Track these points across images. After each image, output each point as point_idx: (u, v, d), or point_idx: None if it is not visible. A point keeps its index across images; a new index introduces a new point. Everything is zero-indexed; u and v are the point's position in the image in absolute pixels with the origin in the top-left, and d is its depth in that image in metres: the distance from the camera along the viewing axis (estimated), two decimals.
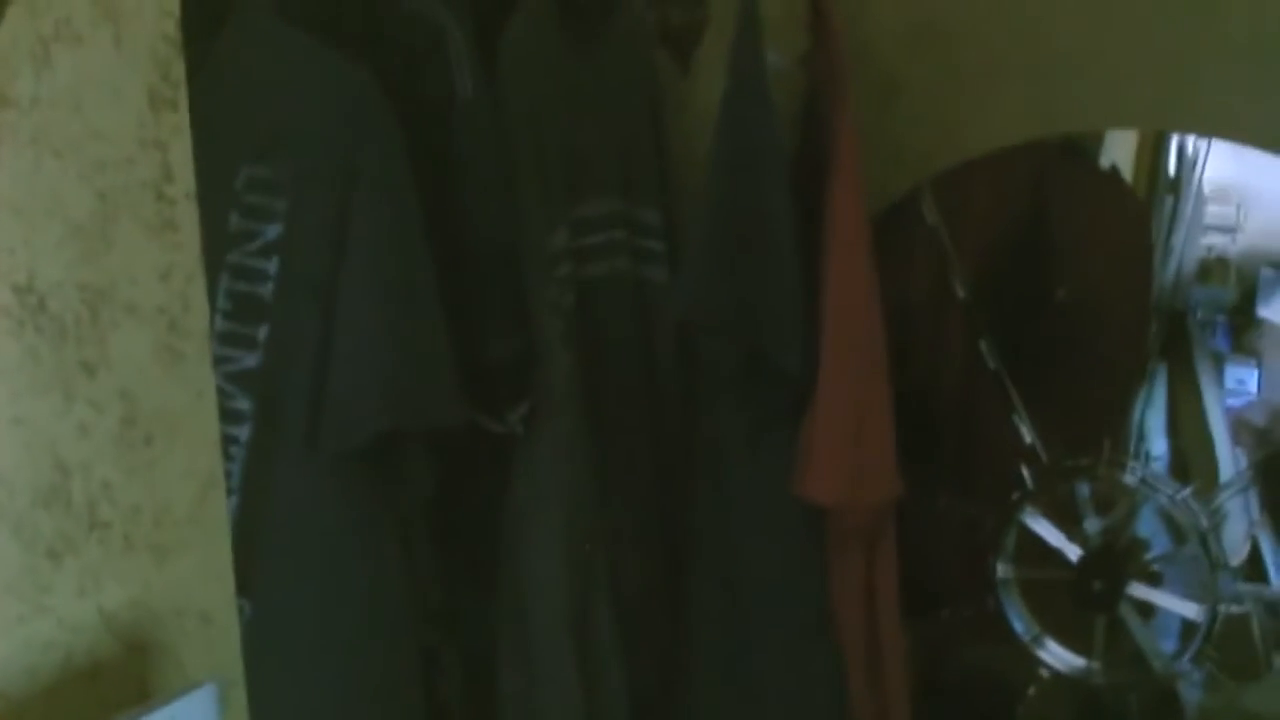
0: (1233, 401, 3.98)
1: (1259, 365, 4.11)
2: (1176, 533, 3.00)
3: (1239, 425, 3.83)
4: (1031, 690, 3.04)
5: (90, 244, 1.55)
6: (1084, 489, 3.02)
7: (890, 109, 3.05)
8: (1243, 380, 4.09)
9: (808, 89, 2.79)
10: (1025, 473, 3.03)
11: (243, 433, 2.13)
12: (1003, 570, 3.03)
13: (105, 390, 1.57)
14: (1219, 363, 4.02)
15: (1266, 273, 4.09)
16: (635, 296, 2.66)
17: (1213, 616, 2.91)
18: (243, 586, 1.98)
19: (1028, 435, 3.06)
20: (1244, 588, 3.01)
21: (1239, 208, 4.04)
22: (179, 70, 1.66)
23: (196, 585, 1.70)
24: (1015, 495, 3.03)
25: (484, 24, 2.45)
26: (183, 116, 1.67)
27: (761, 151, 2.54)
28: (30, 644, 1.49)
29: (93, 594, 1.55)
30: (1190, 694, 3.11)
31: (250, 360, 2.15)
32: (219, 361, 2.08)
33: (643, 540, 2.69)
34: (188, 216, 1.68)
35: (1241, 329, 4.16)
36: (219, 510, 1.74)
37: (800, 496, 2.58)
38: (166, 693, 1.60)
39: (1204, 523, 2.94)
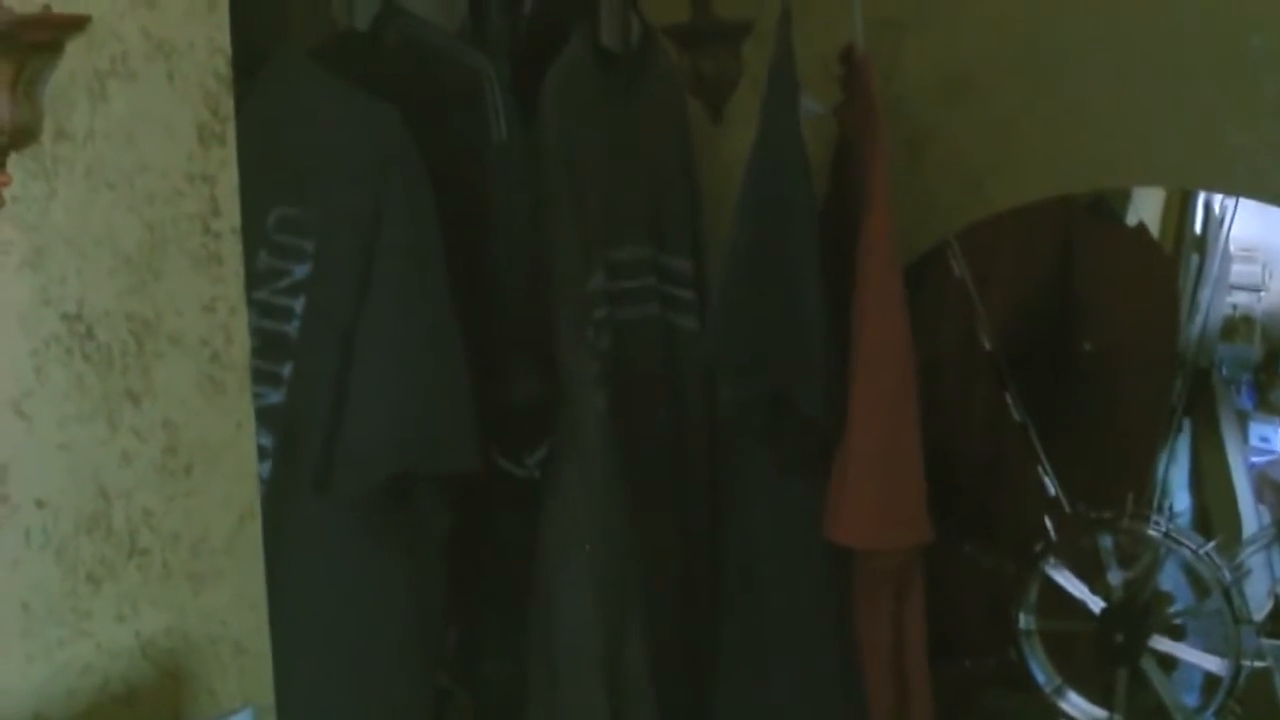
0: (1257, 459, 3.98)
1: None
2: (1199, 587, 3.00)
3: (1263, 482, 3.83)
4: None
5: (138, 275, 1.58)
6: (1107, 541, 3.01)
7: (920, 162, 3.07)
8: (1267, 438, 4.09)
9: (839, 139, 2.82)
10: (1049, 524, 3.03)
11: (264, 469, 2.15)
12: (1025, 621, 3.03)
13: (149, 419, 1.60)
14: (1243, 420, 4.01)
15: None
16: (664, 343, 2.69)
17: (1236, 671, 2.90)
18: None
19: (1052, 487, 3.06)
20: (1267, 643, 3.00)
21: (1265, 267, 4.05)
22: (228, 106, 1.70)
23: (231, 614, 1.72)
24: (1039, 546, 3.03)
25: (524, 71, 2.49)
26: (230, 151, 1.71)
27: (789, 200, 2.56)
28: (69, 667, 1.51)
29: (131, 620, 1.58)
30: None
31: (274, 397, 2.16)
32: None
33: (671, 582, 2.70)
34: (232, 250, 1.71)
35: (1266, 387, 4.16)
36: (254, 541, 1.77)
37: (832, 539, 2.59)
38: (202, 718, 1.62)
39: (1227, 577, 2.93)
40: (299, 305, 2.20)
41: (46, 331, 1.47)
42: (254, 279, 2.15)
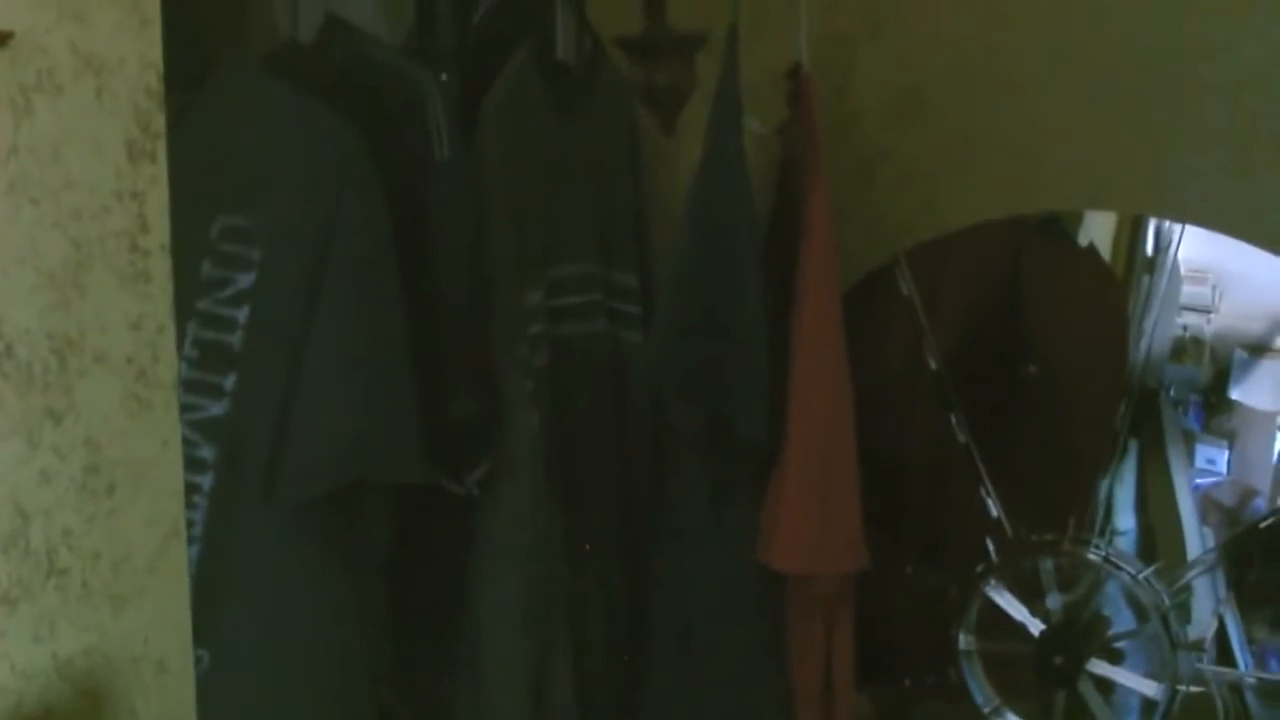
0: (1202, 481, 4.01)
1: (1230, 446, 4.14)
2: (1139, 611, 3.01)
3: (1208, 504, 3.85)
4: None
5: (62, 292, 1.56)
6: (1048, 564, 3.02)
7: (871, 180, 3.08)
8: (1213, 460, 4.11)
9: (784, 158, 2.81)
10: (990, 546, 3.04)
11: (206, 481, 2.14)
12: (965, 641, 3.03)
13: (70, 438, 1.58)
14: (1190, 442, 4.04)
15: (1240, 355, 4.11)
16: (612, 358, 2.69)
17: (1172, 696, 2.91)
18: (201, 636, 1.99)
19: (994, 509, 3.07)
20: (1206, 669, 3.02)
21: (1215, 289, 4.07)
22: (159, 123, 1.68)
23: (154, 633, 1.70)
24: (980, 568, 3.04)
25: (471, 83, 2.48)
26: (160, 169, 1.69)
27: (732, 221, 2.56)
28: None
29: (48, 640, 1.56)
30: None
31: (216, 409, 2.16)
32: (184, 409, 2.08)
33: (604, 603, 2.70)
34: (161, 268, 1.69)
35: (1214, 409, 4.18)
36: (179, 559, 1.75)
37: (766, 564, 2.59)
38: None
39: (1166, 602, 2.94)
40: (243, 315, 2.19)
41: None
42: (197, 288, 2.15)
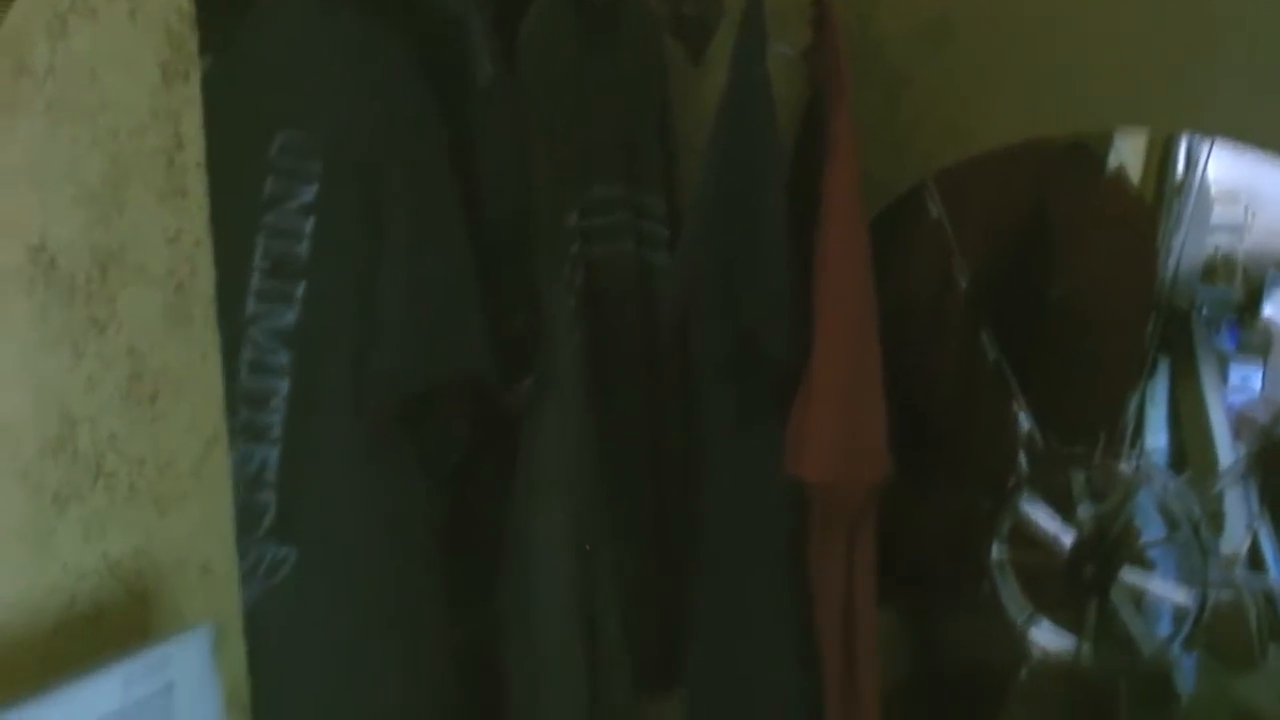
0: (1236, 399, 4.02)
1: (1263, 364, 4.15)
2: (1170, 520, 3.04)
3: (1242, 422, 3.87)
4: (1023, 672, 3.07)
5: (102, 207, 1.61)
6: (1079, 476, 3.05)
7: (898, 105, 3.10)
8: (1247, 378, 4.13)
9: (810, 82, 2.85)
10: (1023, 459, 3.07)
11: (282, 386, 2.20)
12: (998, 552, 3.06)
13: (113, 347, 1.64)
14: (1223, 361, 4.05)
15: (1273, 273, 4.13)
16: (639, 279, 2.73)
17: (1203, 603, 2.95)
18: (287, 534, 2.07)
19: (1025, 423, 3.10)
20: (1237, 574, 3.05)
21: (1247, 209, 4.08)
22: (192, 44, 1.73)
23: (198, 537, 1.76)
24: (1012, 481, 3.07)
25: (504, 14, 2.53)
26: (194, 89, 1.74)
27: (757, 143, 2.60)
28: (35, 587, 1.55)
29: (97, 541, 1.62)
30: (1183, 681, 3.15)
31: (289, 316, 2.21)
32: (258, 318, 2.18)
33: (639, 518, 2.75)
34: (197, 184, 1.75)
35: (1247, 328, 4.19)
36: (221, 466, 1.81)
37: (793, 475, 2.63)
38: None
39: (1197, 511, 2.97)
40: (308, 226, 2.24)
41: (10, 262, 1.51)
42: (262, 203, 2.22)
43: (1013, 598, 3.09)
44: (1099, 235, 3.37)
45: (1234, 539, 3.21)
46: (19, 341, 1.53)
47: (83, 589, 1.60)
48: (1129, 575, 3.06)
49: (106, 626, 1.63)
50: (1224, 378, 3.95)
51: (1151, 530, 3.12)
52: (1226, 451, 3.54)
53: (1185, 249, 3.61)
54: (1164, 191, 3.66)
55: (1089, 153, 3.44)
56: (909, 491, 2.76)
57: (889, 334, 2.71)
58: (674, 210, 2.81)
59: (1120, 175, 3.49)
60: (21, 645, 1.52)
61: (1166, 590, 3.05)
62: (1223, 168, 3.72)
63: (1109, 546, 3.06)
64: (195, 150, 1.75)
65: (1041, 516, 3.07)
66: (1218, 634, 3.04)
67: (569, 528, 2.55)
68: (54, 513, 1.57)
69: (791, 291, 2.60)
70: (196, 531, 1.76)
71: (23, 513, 1.53)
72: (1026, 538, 3.10)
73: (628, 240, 2.72)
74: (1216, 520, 3.13)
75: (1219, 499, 3.12)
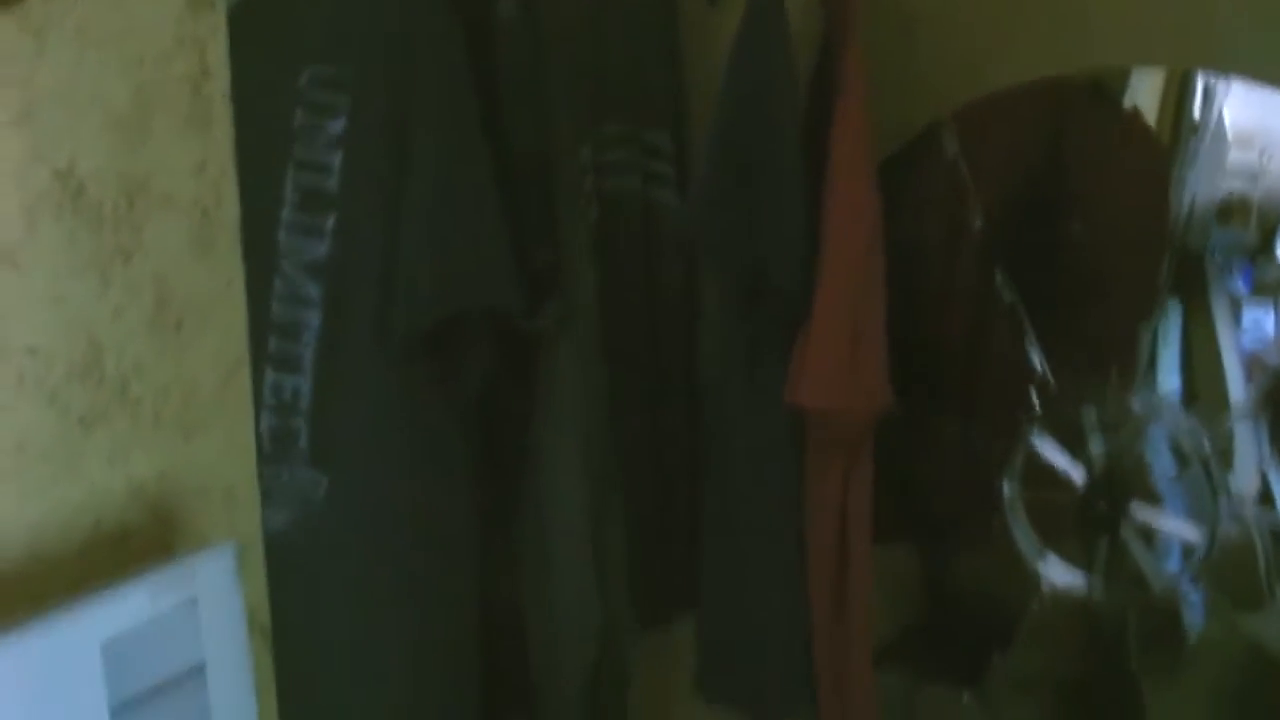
0: (1248, 341, 4.02)
1: (1276, 307, 4.15)
2: (1180, 457, 3.05)
3: (1254, 364, 3.87)
4: (1033, 608, 3.09)
5: (128, 135, 1.63)
6: (1090, 412, 3.06)
7: (912, 42, 3.09)
8: (1259, 321, 4.13)
9: (825, 18, 2.85)
10: (1034, 396, 3.09)
11: (313, 319, 2.21)
12: (1009, 489, 3.07)
13: (140, 275, 1.66)
14: (1236, 304, 4.05)
15: None
16: (644, 215, 2.75)
17: (1212, 538, 2.97)
18: (320, 462, 2.10)
19: (1037, 361, 3.11)
20: (1247, 511, 3.06)
21: (1263, 152, 4.07)
22: None
23: (222, 463, 1.80)
24: (1023, 418, 3.08)
25: None
26: (220, 18, 1.76)
27: (773, 77, 2.60)
28: (63, 507, 1.58)
29: (122, 464, 1.65)
30: (1192, 618, 3.17)
31: (319, 249, 2.23)
32: (290, 252, 2.19)
33: (648, 453, 2.78)
34: (222, 113, 1.77)
35: (1262, 272, 4.19)
36: (244, 394, 1.84)
37: (792, 403, 2.64)
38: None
39: (1207, 447, 2.99)
40: (337, 160, 2.26)
41: (38, 187, 1.53)
42: (291, 136, 2.23)
43: (1024, 534, 3.10)
44: (1114, 174, 3.36)
45: (1244, 478, 3.22)
46: (48, 266, 1.55)
47: (108, 511, 1.63)
48: (1139, 511, 3.07)
49: (132, 548, 1.66)
50: (1237, 320, 3.95)
51: (1162, 467, 3.13)
52: (1238, 391, 3.54)
53: (1200, 191, 3.60)
54: (1180, 131, 3.65)
55: (1106, 90, 3.43)
56: (922, 431, 2.78)
57: (902, 273, 2.72)
58: (681, 149, 2.83)
59: (1136, 114, 3.48)
60: (50, 564, 1.55)
61: (1176, 526, 3.06)
62: (1239, 112, 3.71)
63: (1120, 483, 3.07)
64: (221, 80, 1.77)
65: (1053, 453, 3.08)
66: (1226, 572, 3.06)
67: (583, 455, 2.58)
68: (80, 435, 1.59)
69: (803, 226, 2.61)
70: (220, 457, 1.79)
71: (52, 434, 1.56)
72: (1038, 474, 3.10)
73: (635, 177, 2.73)
74: (1227, 458, 3.15)
75: (1229, 436, 3.13)
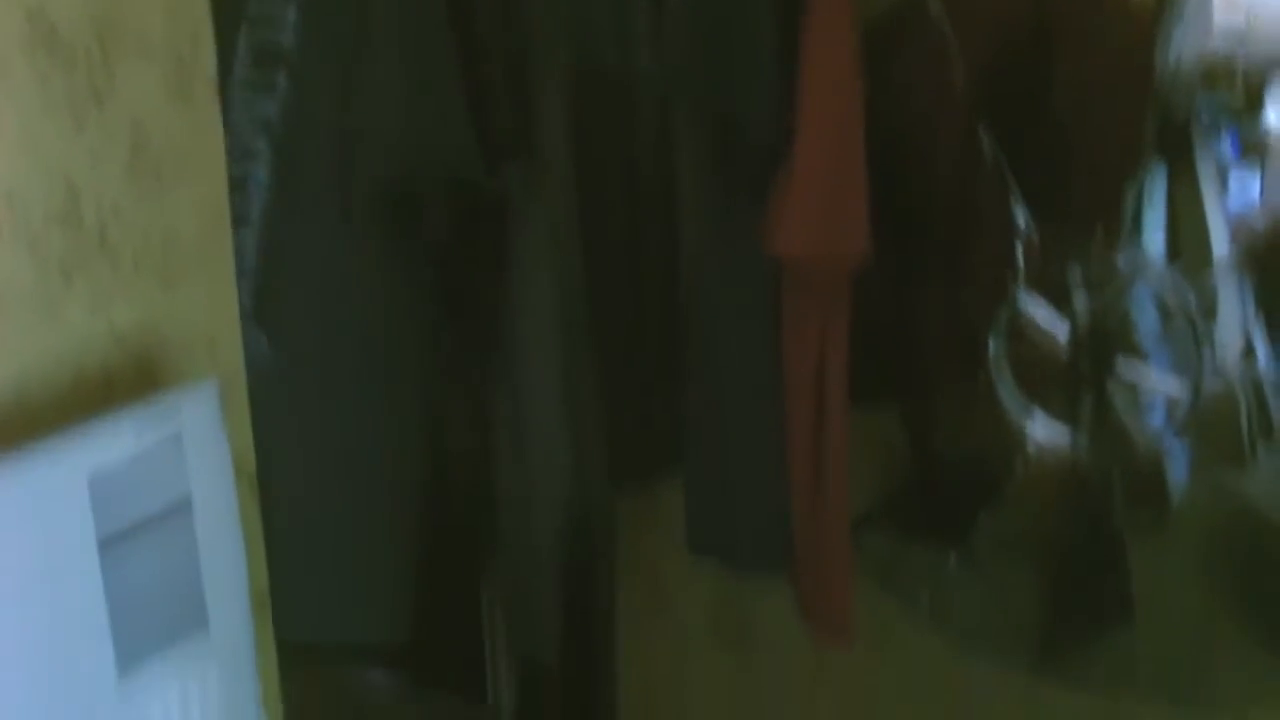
0: (1234, 205, 4.02)
1: (1262, 171, 4.14)
2: (1165, 312, 3.06)
3: (1239, 226, 3.87)
4: (1018, 466, 3.11)
5: None
6: (1075, 269, 3.06)
7: None
8: (1246, 185, 4.12)
9: None
10: (1020, 255, 3.08)
11: (260, 171, 2.21)
12: (994, 347, 3.08)
13: (115, 119, 1.64)
14: (1223, 168, 4.04)
15: (1276, 81, 4.10)
16: (621, 71, 2.73)
17: (1196, 393, 2.98)
18: (261, 318, 2.09)
19: (1022, 219, 3.11)
20: (1230, 365, 3.07)
21: (1248, 13, 4.05)
22: None
23: (203, 313, 1.78)
24: (1008, 275, 3.08)
25: None
26: None
27: None
28: (44, 355, 1.57)
29: (104, 312, 1.64)
30: (1175, 477, 3.18)
31: (270, 105, 2.22)
32: (241, 105, 2.18)
33: (621, 308, 2.78)
34: None
35: (1247, 136, 4.17)
36: (225, 244, 1.83)
37: (770, 252, 2.65)
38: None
39: (1192, 303, 3.00)
40: (291, 14, 2.24)
41: (9, 29, 1.51)
42: None
43: (1009, 392, 3.11)
44: (1099, 32, 3.34)
45: (1229, 333, 3.22)
46: (21, 108, 1.53)
47: (90, 359, 1.62)
48: (1124, 367, 3.08)
49: (115, 395, 1.65)
50: (1223, 184, 3.94)
51: (1147, 323, 3.14)
52: (1223, 249, 3.54)
53: (1185, 51, 3.58)
54: None
55: None
56: (907, 290, 2.77)
57: (887, 135, 2.71)
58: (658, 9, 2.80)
59: None
60: (33, 411, 1.54)
61: (1161, 381, 3.08)
62: None
63: (1105, 339, 3.08)
64: None
65: (1038, 310, 3.09)
66: (1210, 427, 3.07)
67: (557, 312, 2.58)
68: (60, 283, 1.58)
69: (777, 80, 2.60)
70: (201, 308, 1.78)
71: (33, 280, 1.55)
72: (1023, 331, 3.11)
73: (609, 33, 2.71)
74: (1211, 314, 3.15)
75: (1214, 292, 3.14)
